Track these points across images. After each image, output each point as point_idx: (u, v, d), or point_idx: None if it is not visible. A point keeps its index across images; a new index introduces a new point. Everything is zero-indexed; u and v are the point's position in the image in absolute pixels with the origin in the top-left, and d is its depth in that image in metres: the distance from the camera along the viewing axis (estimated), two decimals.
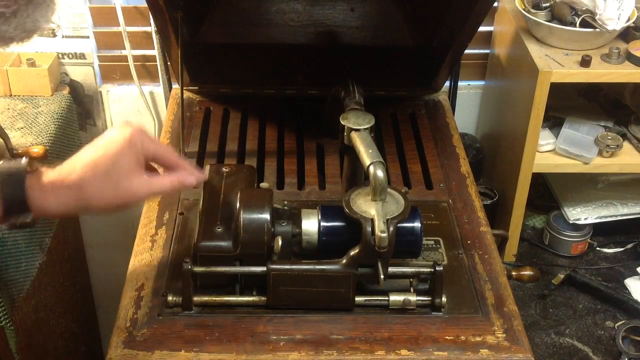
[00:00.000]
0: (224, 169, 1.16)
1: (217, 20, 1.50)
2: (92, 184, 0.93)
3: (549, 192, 1.79)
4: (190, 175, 1.01)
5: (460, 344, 1.01)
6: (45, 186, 0.92)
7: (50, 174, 0.93)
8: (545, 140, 1.62)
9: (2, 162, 0.92)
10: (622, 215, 1.72)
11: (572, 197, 1.75)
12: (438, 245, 1.17)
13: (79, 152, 0.95)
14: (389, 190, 1.04)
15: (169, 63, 1.61)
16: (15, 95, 1.74)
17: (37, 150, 1.47)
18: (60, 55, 1.81)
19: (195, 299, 1.04)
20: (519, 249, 1.72)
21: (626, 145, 1.63)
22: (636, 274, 1.66)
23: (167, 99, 1.69)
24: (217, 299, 1.04)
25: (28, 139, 1.60)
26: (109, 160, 0.93)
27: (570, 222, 1.70)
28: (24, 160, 0.93)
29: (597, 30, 1.50)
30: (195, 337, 1.01)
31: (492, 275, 1.12)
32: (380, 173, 1.01)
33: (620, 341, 1.45)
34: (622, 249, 1.74)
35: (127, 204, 0.96)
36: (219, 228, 1.05)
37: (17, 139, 1.59)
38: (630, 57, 1.51)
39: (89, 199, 0.93)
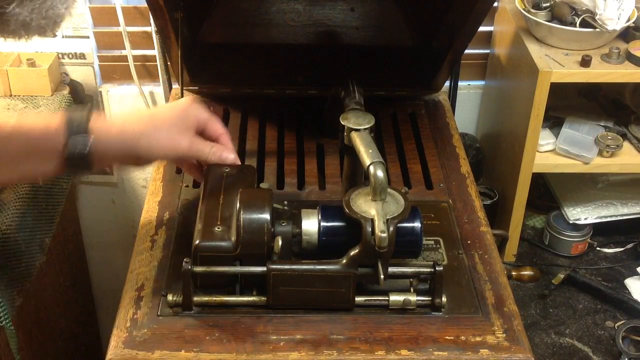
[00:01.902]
0: (224, 169, 1.16)
1: (217, 20, 1.50)
2: (151, 136, 1.04)
3: (549, 192, 1.79)
4: (230, 152, 1.12)
5: (460, 344, 1.01)
6: (107, 124, 1.02)
7: (115, 122, 1.04)
8: (545, 140, 1.62)
9: (66, 110, 1.02)
10: (622, 215, 1.72)
11: (572, 197, 1.75)
12: (438, 245, 1.17)
13: (144, 109, 1.08)
14: (389, 190, 1.04)
15: (169, 63, 1.61)
16: (15, 95, 1.74)
17: None
18: (60, 55, 1.81)
19: (195, 299, 1.04)
20: (519, 249, 1.73)
21: (626, 145, 1.63)
22: (636, 274, 1.66)
23: (167, 99, 1.69)
24: (217, 299, 1.04)
25: None
26: (169, 119, 1.06)
27: (570, 222, 1.70)
28: (88, 105, 1.00)
29: (597, 30, 1.50)
30: (195, 337, 1.01)
31: (492, 275, 1.12)
32: (380, 173, 1.01)
33: (620, 341, 1.45)
34: (622, 249, 1.74)
35: (170, 153, 1.09)
36: (219, 228, 1.05)
37: None
38: (630, 57, 1.51)
39: (144, 149, 1.04)
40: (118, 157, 1.06)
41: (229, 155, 1.12)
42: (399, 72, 1.56)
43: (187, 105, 1.09)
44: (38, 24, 0.86)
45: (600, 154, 1.61)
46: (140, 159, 1.06)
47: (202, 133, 1.11)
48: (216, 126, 1.12)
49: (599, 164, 1.60)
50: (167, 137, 1.05)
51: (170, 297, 1.04)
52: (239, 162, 1.13)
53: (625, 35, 1.58)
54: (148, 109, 1.07)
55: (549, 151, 1.63)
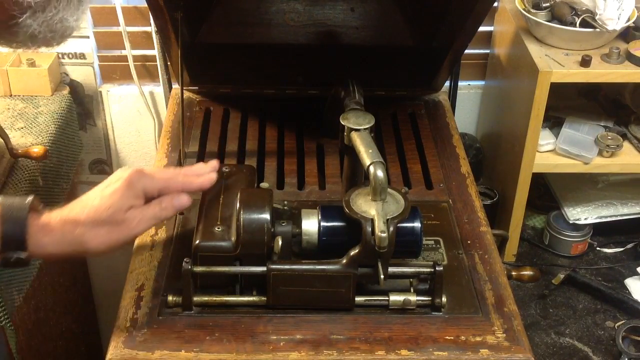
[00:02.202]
0: (224, 169, 1.16)
1: (217, 20, 1.50)
2: (91, 229, 0.96)
3: (549, 192, 1.79)
4: (178, 196, 1.03)
5: (460, 344, 1.01)
6: (45, 226, 0.95)
7: (52, 215, 0.96)
8: (545, 140, 1.62)
9: (5, 197, 0.95)
10: (622, 215, 1.72)
11: (572, 197, 1.75)
12: (438, 245, 1.17)
13: (83, 196, 1.00)
14: (389, 190, 1.04)
15: (169, 63, 1.61)
16: (15, 95, 1.74)
17: (37, 150, 1.47)
18: (60, 55, 1.81)
19: (195, 299, 1.04)
20: (519, 249, 1.72)
21: (626, 145, 1.63)
22: (636, 274, 1.66)
23: (167, 99, 1.69)
24: (217, 299, 1.04)
25: (28, 139, 1.60)
26: (108, 207, 0.97)
27: (570, 222, 1.70)
28: (29, 198, 0.95)
29: (597, 30, 1.50)
30: (195, 337, 1.01)
31: (492, 275, 1.12)
32: (380, 173, 1.01)
33: (620, 341, 1.45)
34: (622, 249, 1.74)
35: (124, 241, 1.00)
36: (219, 228, 1.05)
37: (17, 139, 1.59)
38: (630, 57, 1.51)
39: (86, 242, 0.97)
40: (61, 253, 0.98)
41: (181, 200, 1.03)
42: (399, 72, 1.56)
43: (128, 182, 0.99)
44: (45, 37, 0.86)
45: (600, 154, 1.61)
46: (87, 255, 1.02)
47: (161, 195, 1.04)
48: (170, 185, 1.04)
49: (599, 164, 1.60)
50: (110, 229, 0.98)
51: (170, 297, 1.05)
52: (189, 203, 1.05)
53: (625, 35, 1.58)
54: (91, 195, 1.00)
55: (549, 151, 1.63)
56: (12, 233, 0.93)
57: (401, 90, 1.57)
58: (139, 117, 1.91)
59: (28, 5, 0.82)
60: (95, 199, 0.98)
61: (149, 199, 1.02)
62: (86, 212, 0.97)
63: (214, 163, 1.12)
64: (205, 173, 1.09)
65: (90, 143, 1.94)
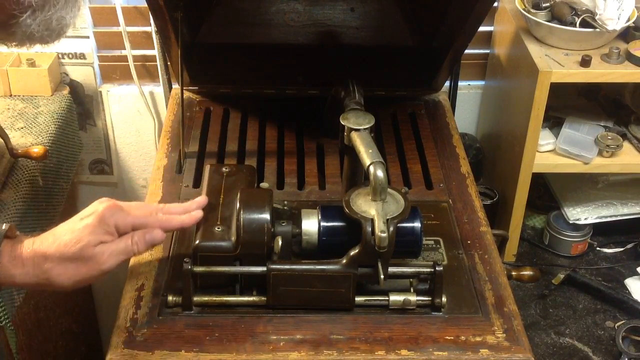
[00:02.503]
0: (224, 169, 1.16)
1: (217, 20, 1.50)
2: (58, 264, 0.95)
3: (549, 192, 1.79)
4: (152, 231, 1.00)
5: (460, 344, 1.01)
6: (16, 257, 0.95)
7: (24, 246, 0.96)
8: (545, 140, 1.62)
9: None
10: (622, 215, 1.72)
11: (572, 197, 1.75)
12: (438, 245, 1.17)
13: (56, 227, 0.98)
14: (389, 190, 1.04)
15: (169, 63, 1.61)
16: (15, 95, 1.74)
17: (37, 150, 1.47)
18: (60, 55, 1.81)
19: (195, 299, 1.04)
20: (519, 249, 1.72)
21: (626, 145, 1.63)
22: (636, 274, 1.65)
23: (167, 99, 1.69)
24: (217, 299, 1.04)
25: (28, 139, 1.60)
26: (77, 247, 0.95)
27: (570, 222, 1.70)
28: (4, 226, 0.95)
29: (597, 30, 1.50)
30: (195, 337, 1.01)
31: (492, 275, 1.12)
32: (380, 173, 1.01)
33: (620, 341, 1.45)
34: (622, 249, 1.74)
35: (93, 276, 0.98)
36: (219, 228, 1.05)
37: (17, 139, 1.59)
38: (630, 57, 1.51)
39: (53, 278, 0.95)
40: (28, 284, 0.97)
41: (154, 235, 1.01)
42: (399, 72, 1.56)
43: (100, 217, 0.97)
44: (41, 35, 0.86)
45: (600, 154, 1.61)
46: (53, 289, 0.98)
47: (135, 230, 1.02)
48: (145, 221, 1.02)
49: (599, 164, 1.60)
50: (79, 265, 0.96)
51: (170, 297, 1.05)
52: (163, 239, 1.03)
53: (625, 35, 1.58)
54: (62, 228, 0.97)
55: (549, 151, 1.63)
56: None
57: (401, 90, 1.57)
58: (139, 117, 1.91)
59: (29, 4, 0.82)
60: (66, 234, 0.96)
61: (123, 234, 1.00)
62: (55, 247, 0.95)
63: (202, 199, 1.08)
64: (190, 210, 1.06)
65: (90, 143, 1.94)
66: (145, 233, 1.00)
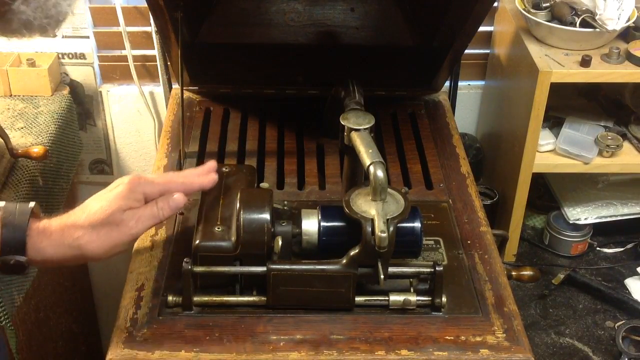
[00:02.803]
0: (224, 169, 1.16)
1: (217, 20, 1.50)
2: (89, 232, 0.97)
3: (549, 192, 1.79)
4: (174, 196, 1.03)
5: (460, 344, 1.01)
6: (45, 230, 0.96)
7: (52, 221, 0.97)
8: (545, 140, 1.62)
9: (7, 203, 0.96)
10: (622, 215, 1.72)
11: (572, 197, 1.75)
12: (438, 245, 1.17)
13: (85, 202, 1.00)
14: (389, 190, 1.04)
15: (169, 63, 1.61)
16: (15, 95, 1.74)
17: (37, 150, 1.47)
18: (60, 55, 1.81)
19: (195, 299, 1.04)
20: (519, 249, 1.72)
21: (626, 145, 1.63)
22: (636, 274, 1.66)
23: (167, 99, 1.69)
24: (217, 299, 1.05)
25: (28, 139, 1.60)
26: (107, 213, 0.97)
27: (570, 222, 1.70)
28: (31, 204, 0.96)
29: (597, 30, 1.50)
30: (195, 337, 1.01)
31: (492, 275, 1.12)
32: (380, 173, 1.01)
33: (620, 341, 1.45)
34: (622, 249, 1.74)
35: (123, 243, 1.00)
36: (219, 228, 1.05)
37: (17, 139, 1.59)
38: (630, 57, 1.51)
39: (85, 245, 0.97)
40: (60, 257, 0.98)
41: (176, 200, 1.04)
42: (399, 72, 1.56)
43: (129, 186, 1.00)
44: (40, 23, 0.86)
45: (600, 154, 1.61)
46: (86, 259, 1.00)
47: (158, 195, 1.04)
48: (169, 186, 1.04)
49: (599, 164, 1.60)
50: (109, 230, 0.98)
51: (170, 297, 1.05)
52: (185, 202, 1.05)
53: (625, 35, 1.58)
54: (91, 200, 1.00)
55: (549, 151, 1.63)
56: (12, 237, 0.94)
57: (401, 90, 1.57)
58: (139, 117, 1.91)
59: None
60: (96, 204, 0.99)
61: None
62: (85, 216, 0.97)
63: (212, 163, 1.11)
64: (205, 173, 1.09)
65: (90, 143, 1.94)
66: (169, 198, 1.03)
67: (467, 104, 1.92)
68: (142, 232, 1.02)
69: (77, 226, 0.96)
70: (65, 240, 0.96)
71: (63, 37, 1.79)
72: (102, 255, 0.99)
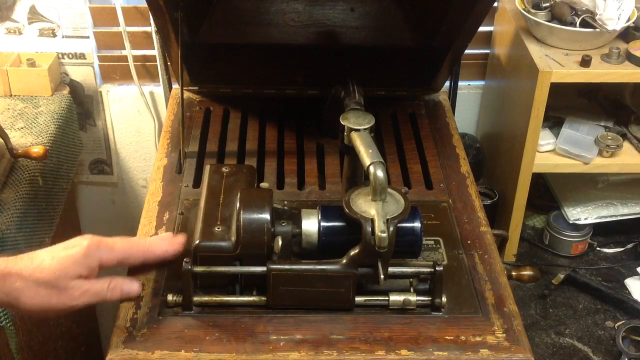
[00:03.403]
0: (224, 169, 1.16)
1: (217, 20, 1.50)
2: (31, 287, 0.92)
3: (549, 192, 1.79)
4: (130, 282, 1.00)
5: (460, 344, 1.01)
6: None
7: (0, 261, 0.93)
8: (545, 140, 1.62)
9: None
10: (622, 215, 1.72)
11: (572, 197, 1.75)
12: (438, 245, 1.17)
13: (37, 251, 0.95)
14: (389, 190, 1.04)
15: (169, 63, 1.61)
16: (15, 95, 1.74)
17: (37, 150, 1.47)
18: (60, 55, 1.81)
19: (195, 299, 1.04)
20: (519, 249, 1.73)
21: (626, 145, 1.63)
22: (636, 274, 1.66)
23: (167, 99, 1.69)
24: (217, 299, 1.04)
25: (28, 139, 1.60)
26: (54, 275, 0.93)
27: (570, 222, 1.70)
28: None
29: (597, 30, 1.50)
30: (195, 337, 1.01)
31: (492, 275, 1.12)
32: (380, 173, 1.01)
33: (620, 341, 1.45)
34: (622, 249, 1.74)
35: (61, 309, 0.95)
36: (219, 228, 1.05)
37: (17, 139, 1.59)
38: (630, 57, 1.51)
39: (21, 298, 0.92)
40: None
41: (131, 286, 1.00)
42: (399, 72, 1.56)
43: (85, 251, 0.95)
44: None
45: (600, 154, 1.61)
46: (18, 310, 0.95)
47: (120, 266, 1.01)
48: (130, 258, 1.01)
49: (599, 164, 1.60)
50: (51, 293, 0.92)
51: (170, 297, 1.05)
52: (139, 292, 1.02)
53: (625, 35, 1.58)
54: (44, 252, 0.95)
55: (549, 151, 1.63)
56: None
57: (401, 90, 1.57)
58: (139, 117, 1.91)
59: None
60: (47, 259, 0.94)
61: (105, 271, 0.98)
62: (32, 269, 0.92)
63: (181, 238, 1.07)
64: (170, 241, 1.05)
65: (90, 143, 1.94)
66: (124, 282, 0.99)
67: (467, 104, 1.92)
68: (83, 307, 0.97)
69: (20, 276, 0.92)
70: (4, 287, 0.92)
71: (63, 37, 1.80)
72: (34, 314, 0.94)
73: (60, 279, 0.93)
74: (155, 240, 1.07)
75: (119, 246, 1.00)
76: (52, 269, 0.93)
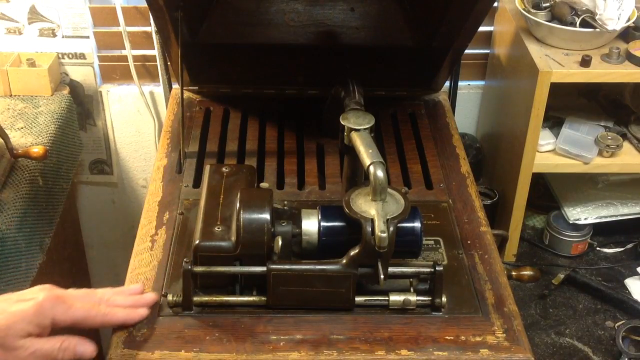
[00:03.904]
0: (224, 169, 1.16)
1: (217, 20, 1.50)
2: None
3: (549, 192, 1.79)
4: (83, 343, 0.94)
5: (460, 344, 1.01)
6: None
7: None
8: (545, 140, 1.62)
9: None
10: (622, 215, 1.72)
11: (572, 197, 1.75)
12: (438, 245, 1.17)
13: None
14: (389, 190, 1.04)
15: (169, 63, 1.61)
16: (15, 95, 1.74)
17: (37, 150, 1.47)
18: (60, 55, 1.81)
19: (195, 299, 1.04)
20: (519, 249, 1.72)
21: (626, 145, 1.63)
22: (636, 274, 1.66)
23: (167, 99, 1.69)
24: (217, 299, 1.04)
25: (28, 139, 1.60)
26: (2, 332, 0.87)
27: (570, 222, 1.70)
28: None
29: (597, 30, 1.50)
30: (195, 337, 1.01)
31: (492, 275, 1.12)
32: (380, 173, 1.01)
33: (620, 341, 1.45)
34: (622, 249, 1.74)
35: None
36: (219, 228, 1.05)
37: (17, 139, 1.59)
38: (630, 57, 1.51)
39: None
40: None
41: (85, 348, 0.94)
42: (399, 72, 1.56)
43: (38, 307, 0.90)
44: None
45: (600, 154, 1.61)
46: None
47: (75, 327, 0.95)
48: (85, 321, 0.95)
49: (599, 164, 1.60)
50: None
51: (170, 297, 1.05)
52: (94, 354, 0.96)
53: (625, 35, 1.58)
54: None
55: (549, 151, 1.63)
56: None
57: (401, 90, 1.57)
58: (139, 117, 1.91)
59: None
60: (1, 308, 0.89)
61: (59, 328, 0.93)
62: None
63: (151, 296, 1.04)
64: (136, 304, 1.02)
65: (90, 143, 1.94)
66: (78, 343, 0.94)
67: (467, 104, 1.92)
68: None
69: None
70: None
71: (63, 37, 1.79)
72: None
73: (7, 338, 0.87)
74: (120, 300, 1.01)
75: (77, 306, 0.95)
76: (1, 326, 0.87)
